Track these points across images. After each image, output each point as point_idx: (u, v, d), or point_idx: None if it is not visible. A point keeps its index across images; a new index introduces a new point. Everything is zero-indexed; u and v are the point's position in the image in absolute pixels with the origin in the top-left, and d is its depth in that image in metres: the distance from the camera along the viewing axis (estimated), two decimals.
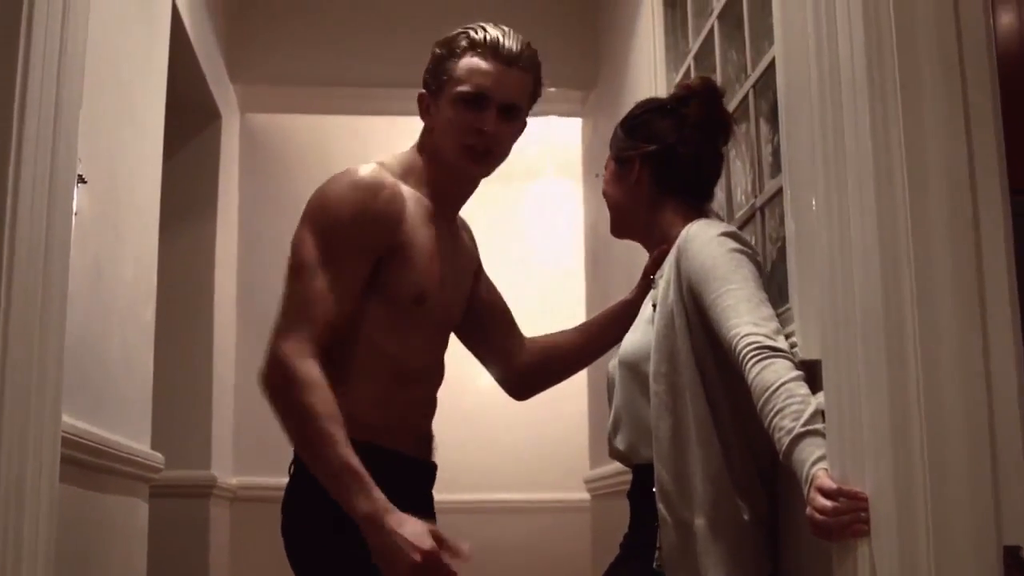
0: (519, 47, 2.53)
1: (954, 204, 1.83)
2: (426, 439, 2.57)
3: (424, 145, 2.57)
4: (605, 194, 2.67)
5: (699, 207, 2.58)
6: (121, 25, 3.39)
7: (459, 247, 2.65)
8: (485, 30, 2.52)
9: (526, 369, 2.79)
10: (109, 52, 3.22)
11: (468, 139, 2.48)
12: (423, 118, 2.57)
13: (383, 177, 2.43)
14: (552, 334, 2.84)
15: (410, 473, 2.49)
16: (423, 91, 2.56)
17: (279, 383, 2.25)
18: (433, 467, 2.59)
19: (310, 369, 2.24)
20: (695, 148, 2.56)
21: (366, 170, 2.43)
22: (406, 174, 2.51)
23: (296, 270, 2.35)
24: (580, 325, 2.92)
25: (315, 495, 2.25)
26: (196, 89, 4.81)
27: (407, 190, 2.47)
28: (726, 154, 2.70)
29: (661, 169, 2.55)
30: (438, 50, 2.54)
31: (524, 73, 2.53)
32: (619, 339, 2.64)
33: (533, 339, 2.82)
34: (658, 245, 2.57)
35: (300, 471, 2.37)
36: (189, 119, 4.97)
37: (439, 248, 2.50)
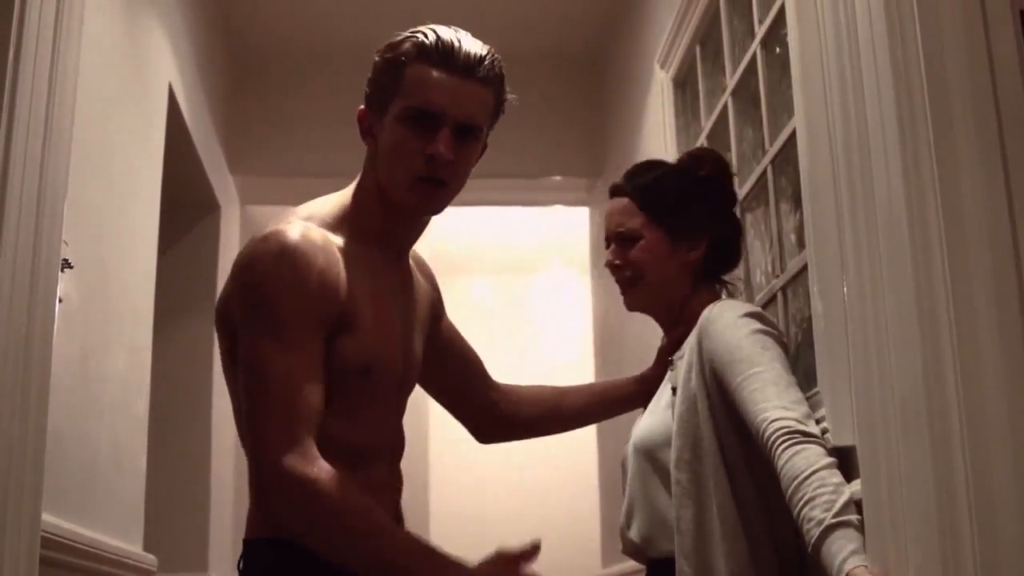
0: (478, 53, 2.08)
1: (997, 276, 1.72)
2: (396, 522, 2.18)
3: (367, 176, 2.16)
4: (642, 264, 2.42)
5: (718, 285, 2.49)
6: (115, 112, 3.34)
7: (413, 296, 2.26)
8: (437, 33, 2.07)
9: (503, 420, 2.51)
10: (101, 138, 3.16)
11: (417, 168, 2.05)
12: (365, 141, 2.16)
13: (313, 238, 2.01)
14: (543, 389, 2.60)
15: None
16: (363, 107, 2.15)
17: (304, 503, 1.89)
18: None
19: (331, 475, 1.90)
20: (742, 231, 2.53)
21: (293, 235, 2.01)
22: (340, 222, 2.10)
23: (254, 371, 1.97)
24: (587, 391, 2.68)
25: None
26: (194, 180, 4.75)
27: (342, 244, 2.07)
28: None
29: (718, 254, 2.44)
30: (378, 58, 2.11)
31: (484, 86, 2.09)
32: (618, 413, 2.56)
33: (517, 389, 2.55)
34: (676, 325, 2.44)
35: (251, 566, 2.09)
36: (187, 210, 4.91)
37: (388, 305, 2.13)
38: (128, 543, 3.33)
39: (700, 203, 2.42)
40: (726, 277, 2.51)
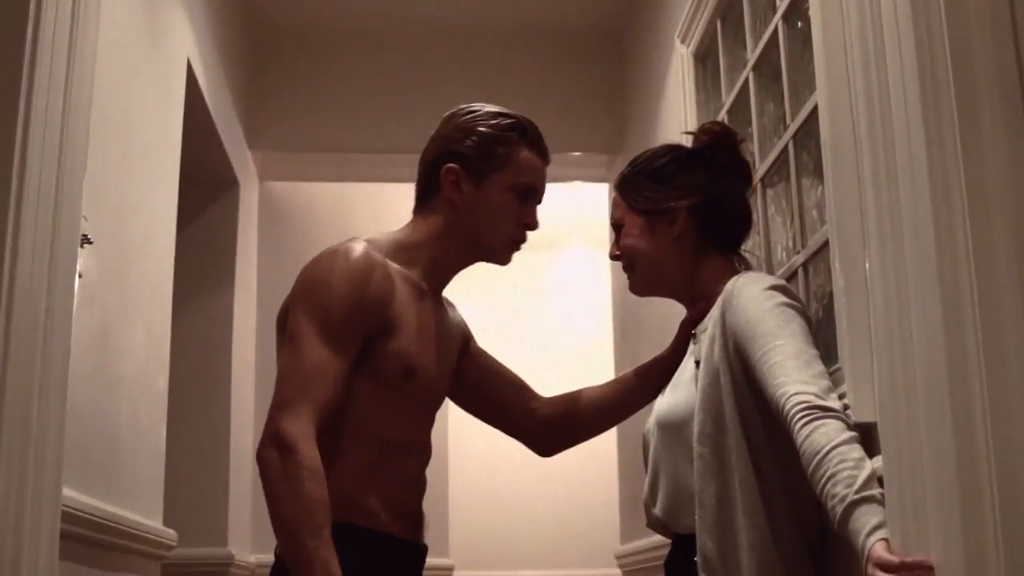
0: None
1: (1021, 251, 1.69)
2: (418, 519, 2.46)
3: (433, 221, 2.49)
4: (632, 249, 2.49)
5: (737, 259, 2.47)
6: (133, 88, 3.33)
7: (446, 324, 2.56)
8: (529, 123, 2.52)
9: (548, 426, 2.67)
10: (120, 114, 3.16)
11: (517, 232, 2.51)
12: (450, 192, 2.47)
13: (374, 257, 2.36)
14: (578, 389, 2.71)
15: (402, 557, 2.38)
16: (454, 165, 2.46)
17: (279, 462, 2.14)
18: (424, 549, 2.47)
19: (314, 454, 2.15)
20: (740, 197, 2.47)
21: (358, 250, 2.36)
22: (395, 253, 2.43)
23: (293, 345, 2.27)
24: (610, 380, 2.77)
25: None
26: (214, 156, 4.75)
27: (395, 268, 2.40)
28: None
29: (707, 221, 2.43)
30: (482, 128, 2.47)
31: None
32: (651, 397, 2.52)
33: (556, 396, 2.70)
34: (696, 301, 2.44)
35: None
36: (207, 186, 4.93)
37: (428, 323, 2.44)
38: (148, 518, 3.34)
39: (671, 178, 2.46)
40: (746, 249, 2.51)
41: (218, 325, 4.97)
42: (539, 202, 2.53)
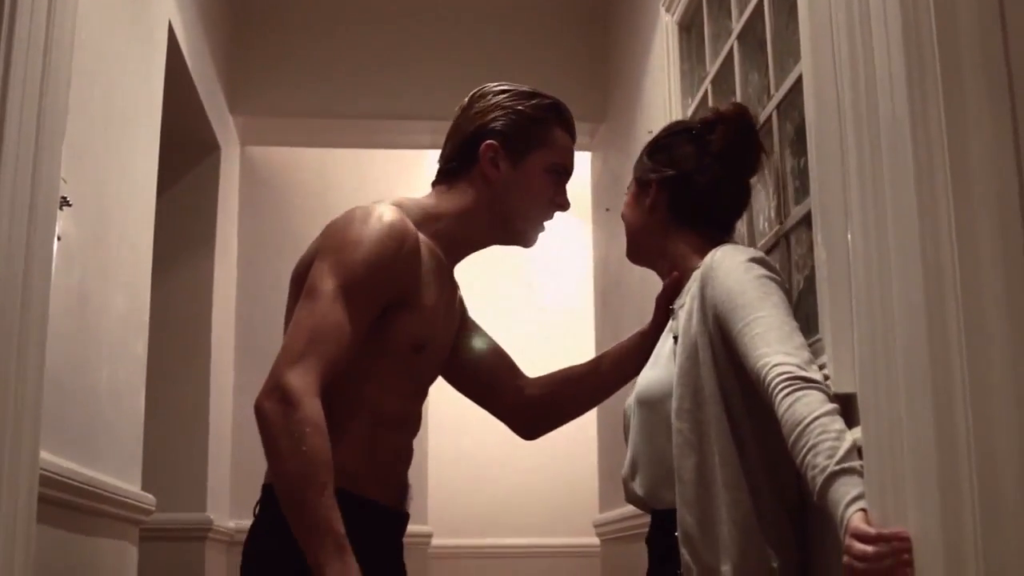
0: None
1: (1004, 226, 1.69)
2: (403, 489, 2.44)
3: (462, 196, 2.47)
4: (623, 216, 2.58)
5: (717, 239, 2.43)
6: (114, 50, 3.30)
7: (452, 299, 2.56)
8: (562, 104, 2.52)
9: (533, 405, 2.68)
10: (100, 77, 3.13)
11: (547, 214, 2.52)
12: (487, 169, 2.45)
13: (408, 226, 2.31)
14: (562, 369, 2.72)
15: (386, 524, 2.38)
16: (493, 141, 2.45)
17: (281, 415, 2.07)
18: (406, 517, 2.45)
19: (318, 411, 2.09)
20: (713, 177, 2.45)
21: (393, 215, 2.30)
22: (423, 222, 2.39)
23: (311, 299, 2.20)
24: (593, 358, 2.79)
25: (286, 539, 2.09)
26: (194, 120, 4.72)
27: (423, 239, 2.36)
28: (752, 186, 2.58)
29: (677, 196, 2.45)
30: (521, 107, 2.47)
31: None
32: (634, 373, 2.51)
33: (541, 376, 2.71)
34: (670, 274, 2.45)
35: (269, 513, 2.23)
36: (187, 150, 4.90)
37: (441, 301, 2.43)
38: (126, 482, 3.33)
39: (663, 151, 2.52)
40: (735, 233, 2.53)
41: (198, 289, 4.96)
42: (567, 182, 2.54)
